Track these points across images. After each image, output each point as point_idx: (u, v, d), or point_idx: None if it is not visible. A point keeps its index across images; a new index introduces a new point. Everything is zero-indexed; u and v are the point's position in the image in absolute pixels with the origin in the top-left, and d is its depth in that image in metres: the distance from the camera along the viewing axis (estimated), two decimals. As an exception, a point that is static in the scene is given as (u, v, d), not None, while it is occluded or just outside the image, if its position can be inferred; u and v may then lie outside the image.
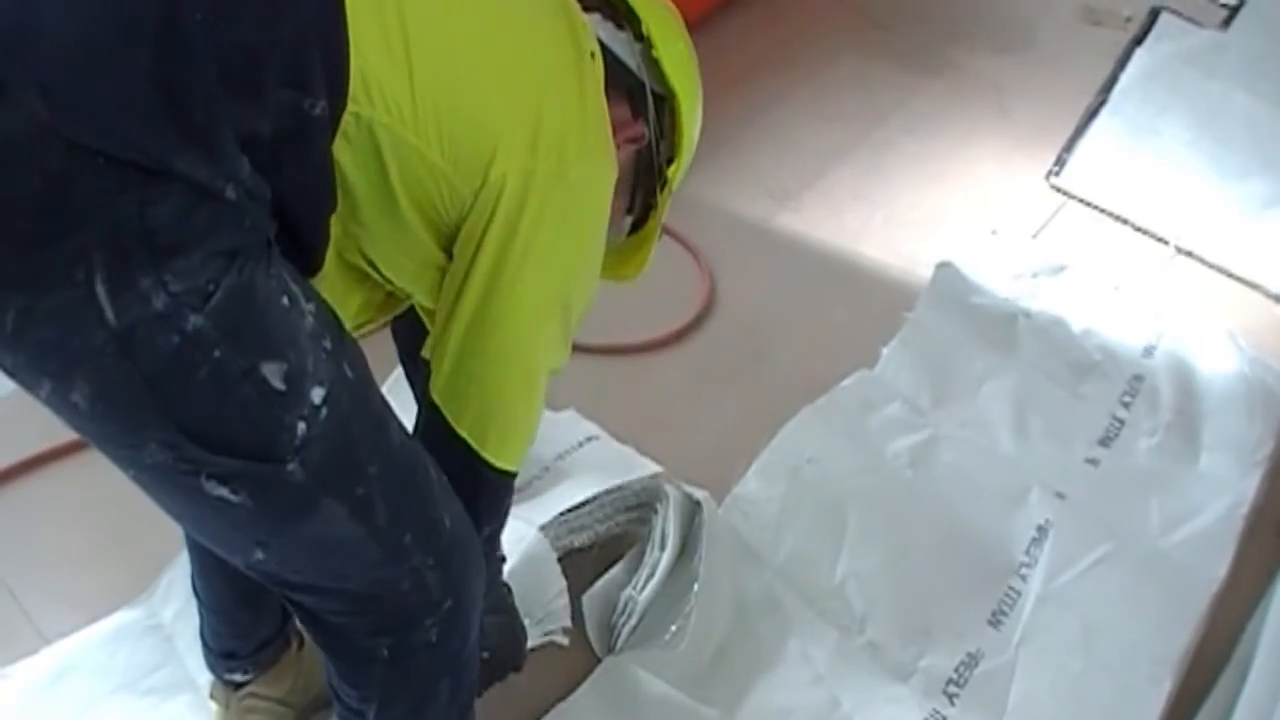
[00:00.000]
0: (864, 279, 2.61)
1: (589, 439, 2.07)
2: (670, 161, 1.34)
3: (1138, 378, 2.40)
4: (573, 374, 2.33)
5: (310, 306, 1.02)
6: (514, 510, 1.88)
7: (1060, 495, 2.15)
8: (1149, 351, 2.47)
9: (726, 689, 1.79)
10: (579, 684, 1.75)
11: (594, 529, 1.91)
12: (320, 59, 0.99)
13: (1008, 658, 1.90)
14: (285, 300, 0.99)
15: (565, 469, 2.00)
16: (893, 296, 2.52)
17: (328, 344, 1.02)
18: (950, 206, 2.83)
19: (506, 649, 1.61)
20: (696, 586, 1.83)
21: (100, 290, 0.89)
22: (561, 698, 1.73)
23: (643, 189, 1.36)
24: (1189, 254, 2.74)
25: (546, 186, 1.13)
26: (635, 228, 1.42)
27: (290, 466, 0.99)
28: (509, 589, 1.62)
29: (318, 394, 0.99)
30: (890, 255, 2.66)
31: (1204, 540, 2.10)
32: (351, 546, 1.08)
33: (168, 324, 0.91)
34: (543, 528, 1.82)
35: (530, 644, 1.71)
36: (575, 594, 1.82)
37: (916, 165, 2.94)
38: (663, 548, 1.87)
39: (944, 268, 2.56)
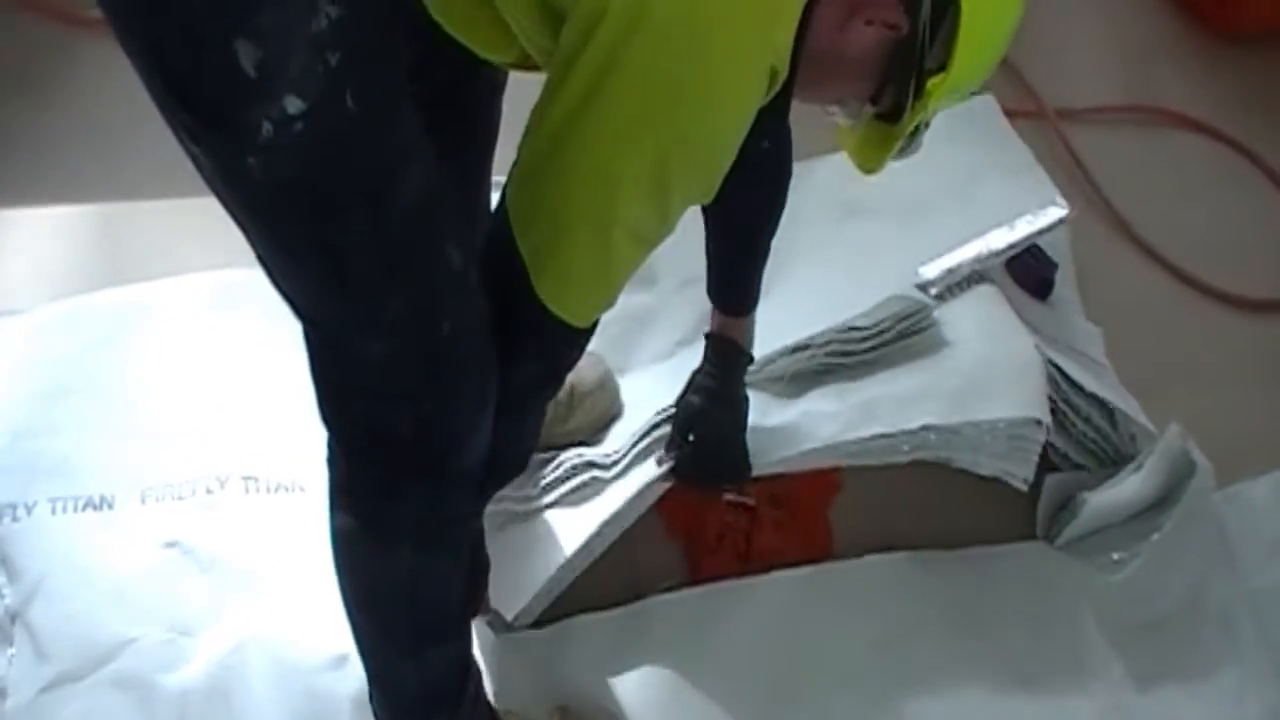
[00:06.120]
0: None
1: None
2: (937, 71, 1.04)
3: None
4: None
5: (335, 11, 0.83)
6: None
7: None
8: None
9: (1143, 661, 1.57)
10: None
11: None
12: None
13: None
14: None
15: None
16: None
17: (334, 59, 0.84)
18: None
19: (709, 458, 1.47)
20: (1156, 537, 1.62)
21: None
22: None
23: (894, 87, 1.07)
24: None
25: (666, 25, 0.91)
26: (886, 118, 1.11)
27: (250, 161, 0.86)
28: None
29: (294, 104, 0.83)
30: None
31: None
32: (315, 278, 0.95)
33: None
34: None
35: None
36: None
37: None
38: (1136, 470, 1.65)
39: None
